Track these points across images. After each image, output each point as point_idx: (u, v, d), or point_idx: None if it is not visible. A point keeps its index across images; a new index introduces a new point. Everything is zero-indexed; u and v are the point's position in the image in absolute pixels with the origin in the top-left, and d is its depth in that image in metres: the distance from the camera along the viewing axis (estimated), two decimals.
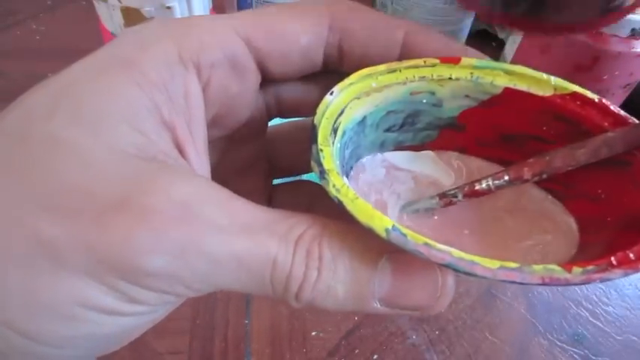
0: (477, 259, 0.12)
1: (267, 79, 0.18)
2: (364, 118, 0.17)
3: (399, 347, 0.33)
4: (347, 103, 0.16)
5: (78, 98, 0.13)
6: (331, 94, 0.16)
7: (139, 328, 0.16)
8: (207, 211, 0.13)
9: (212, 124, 0.17)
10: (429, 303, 0.14)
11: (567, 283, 0.12)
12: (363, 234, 0.13)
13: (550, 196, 0.18)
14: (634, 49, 0.39)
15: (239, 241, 0.13)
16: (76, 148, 0.12)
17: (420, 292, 0.14)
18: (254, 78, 0.17)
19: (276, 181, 0.23)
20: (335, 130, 0.16)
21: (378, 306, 0.14)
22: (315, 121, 0.15)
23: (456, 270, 0.12)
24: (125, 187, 0.12)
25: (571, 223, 0.17)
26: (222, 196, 0.14)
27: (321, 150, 0.14)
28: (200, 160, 0.15)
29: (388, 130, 0.19)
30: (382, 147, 0.19)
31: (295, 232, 0.14)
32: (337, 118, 0.16)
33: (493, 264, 0.12)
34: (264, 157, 0.22)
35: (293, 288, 0.14)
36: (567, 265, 0.12)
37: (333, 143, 0.15)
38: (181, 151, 0.15)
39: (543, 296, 0.36)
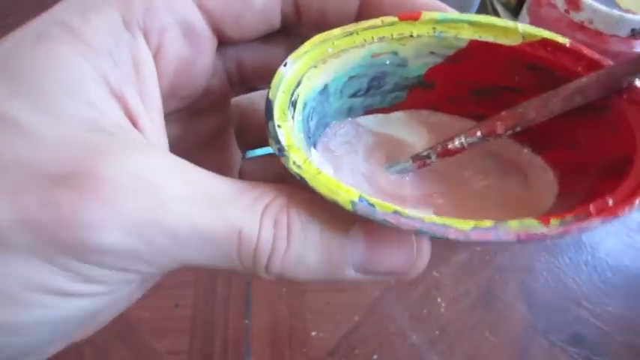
0: (449, 221, 0.12)
1: (225, 43, 0.17)
2: (325, 87, 0.16)
3: (399, 347, 0.33)
4: (304, 73, 0.15)
5: (17, 69, 0.12)
6: (285, 65, 0.15)
7: (108, 309, 0.15)
8: (165, 183, 0.12)
9: (169, 94, 0.16)
10: (405, 268, 0.14)
11: (544, 237, 0.12)
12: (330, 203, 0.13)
13: (526, 149, 0.18)
14: (634, 49, 0.39)
15: (201, 213, 0.12)
16: (15, 122, 0.11)
17: (395, 257, 0.14)
18: (209, 42, 0.16)
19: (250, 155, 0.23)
20: (294, 104, 0.15)
21: (353, 274, 0.14)
22: (270, 96, 0.14)
23: (428, 235, 0.12)
24: (72, 160, 0.11)
25: (549, 175, 0.17)
26: (181, 167, 0.13)
27: (279, 126, 0.14)
28: (156, 131, 0.14)
29: (354, 95, 0.18)
30: (351, 113, 0.19)
31: (261, 202, 0.13)
32: (294, 90, 0.15)
33: (466, 225, 0.12)
34: (231, 129, 0.21)
35: (262, 260, 0.13)
36: (544, 217, 0.12)
37: (293, 117, 0.15)
38: (134, 123, 0.14)
39: (543, 296, 0.36)
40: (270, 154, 0.22)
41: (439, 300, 0.35)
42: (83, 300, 0.12)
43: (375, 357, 0.32)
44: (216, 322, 0.33)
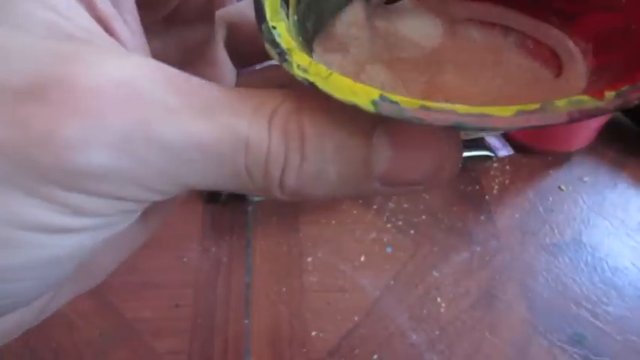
0: (486, 110, 0.10)
1: None
2: None
3: (399, 347, 0.33)
4: None
5: None
6: None
7: (112, 251, 0.13)
8: (154, 90, 0.10)
9: (142, 0, 0.14)
10: (437, 173, 0.12)
11: (601, 112, 0.10)
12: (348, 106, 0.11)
13: (552, 24, 0.15)
14: None
15: (198, 123, 0.10)
16: None
17: (424, 162, 0.12)
18: None
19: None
20: (286, 0, 0.13)
21: (378, 185, 0.12)
22: None
23: (464, 129, 0.10)
24: (40, 71, 0.10)
25: (578, 50, 0.15)
26: (171, 73, 0.11)
27: (274, 27, 0.12)
28: (134, 38, 0.13)
29: None
30: (349, 6, 0.16)
31: (267, 108, 0.11)
32: None
33: (508, 111, 0.10)
34: (219, 42, 0.19)
35: (274, 175, 0.11)
36: (595, 92, 0.10)
37: (287, 16, 0.13)
38: (106, 28, 0.12)
39: (543, 296, 0.36)
40: (264, 69, 0.20)
41: (439, 300, 0.35)
42: (75, 236, 0.11)
43: (375, 357, 0.32)
44: (216, 322, 0.33)
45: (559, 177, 0.43)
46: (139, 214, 0.12)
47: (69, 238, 0.11)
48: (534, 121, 0.10)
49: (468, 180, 0.42)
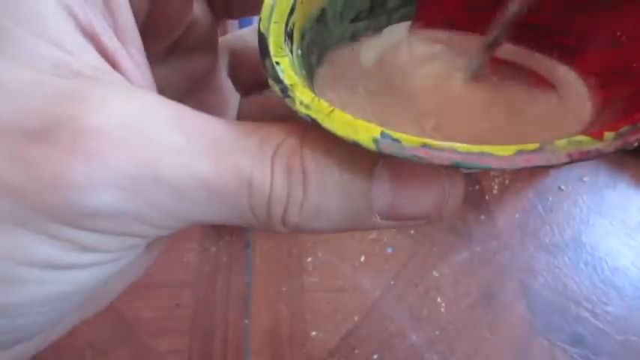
0: (487, 149, 0.10)
1: None
2: (323, 12, 0.14)
3: (399, 347, 0.33)
4: None
5: None
6: None
7: (118, 280, 0.13)
8: (159, 130, 0.10)
9: (147, 30, 0.14)
10: (437, 209, 0.12)
11: (600, 154, 0.10)
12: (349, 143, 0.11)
13: (555, 60, 0.15)
14: None
15: (203, 163, 0.11)
16: None
17: (425, 199, 0.12)
18: None
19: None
20: (290, 35, 0.13)
21: (378, 220, 0.12)
22: (262, 29, 0.12)
23: (464, 168, 0.10)
24: (46, 111, 0.10)
25: (581, 86, 0.15)
26: (176, 111, 0.11)
27: (277, 63, 0.12)
28: (140, 72, 0.13)
29: (355, 19, 0.16)
30: (354, 40, 0.16)
31: (270, 145, 0.11)
32: (289, 19, 0.13)
33: (507, 151, 0.10)
34: (222, 70, 0.19)
35: (277, 212, 0.11)
36: (594, 132, 0.10)
37: (291, 51, 0.13)
38: (112, 63, 0.12)
39: (543, 296, 0.36)
40: (266, 95, 0.20)
41: (439, 300, 0.35)
42: (83, 272, 0.11)
43: (375, 357, 0.32)
44: (216, 322, 0.33)
45: (559, 177, 0.43)
46: (144, 247, 0.13)
47: (76, 274, 0.11)
48: (534, 161, 0.10)
49: (468, 180, 0.42)
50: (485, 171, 0.11)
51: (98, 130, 0.10)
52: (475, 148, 0.10)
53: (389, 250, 0.38)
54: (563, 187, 0.42)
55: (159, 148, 0.10)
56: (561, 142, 0.10)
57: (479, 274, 0.37)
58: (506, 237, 0.39)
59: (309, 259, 0.37)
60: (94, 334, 0.33)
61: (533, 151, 0.10)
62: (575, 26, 0.14)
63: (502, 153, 0.10)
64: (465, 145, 0.10)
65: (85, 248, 0.10)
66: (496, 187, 0.42)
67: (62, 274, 0.11)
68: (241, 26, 0.42)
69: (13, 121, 0.10)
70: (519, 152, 0.10)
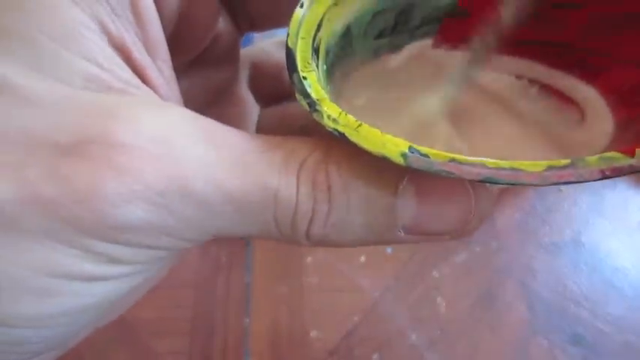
0: (516, 164, 0.10)
1: None
2: (348, 29, 0.14)
3: (399, 347, 0.33)
4: (324, 13, 0.13)
5: (1, 25, 0.10)
6: (301, 6, 0.13)
7: (135, 290, 0.14)
8: (188, 145, 0.11)
9: (174, 44, 0.14)
10: (462, 225, 0.12)
11: (632, 170, 0.10)
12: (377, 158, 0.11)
13: (576, 78, 0.15)
14: None
15: (231, 177, 0.11)
16: (8, 86, 0.10)
17: (450, 214, 0.12)
18: None
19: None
20: (316, 50, 0.13)
21: (402, 234, 0.12)
22: (290, 44, 0.13)
23: (495, 183, 0.10)
24: (79, 126, 0.10)
25: (603, 104, 0.15)
26: (204, 125, 0.11)
27: (304, 78, 0.12)
28: (167, 85, 0.13)
29: (379, 36, 0.16)
30: (377, 56, 0.17)
31: (296, 159, 0.11)
32: (316, 35, 0.13)
33: (538, 167, 0.10)
34: (242, 82, 0.19)
35: (302, 226, 0.11)
36: (626, 149, 0.10)
37: (317, 66, 0.13)
38: (141, 77, 0.12)
39: (543, 296, 0.36)
40: (285, 106, 0.20)
41: (439, 300, 0.35)
42: (110, 283, 0.11)
43: (375, 357, 0.32)
44: (215, 322, 0.33)
45: None
46: (179, 257, 0.13)
47: (104, 286, 0.11)
48: (566, 176, 0.10)
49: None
50: (512, 187, 0.11)
51: (130, 145, 0.10)
52: (505, 164, 0.10)
53: (389, 250, 0.38)
54: (562, 187, 0.42)
55: (187, 162, 0.10)
56: (593, 159, 0.10)
57: (479, 274, 0.37)
58: (505, 237, 0.39)
59: (309, 259, 0.37)
60: (93, 334, 0.33)
61: (564, 167, 0.10)
62: (600, 45, 0.14)
63: (532, 169, 0.10)
64: (494, 161, 0.10)
65: (114, 261, 0.11)
66: (496, 188, 0.42)
67: (91, 286, 0.11)
68: (244, 44, 0.42)
69: (47, 135, 0.10)
70: (550, 168, 0.10)
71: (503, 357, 0.33)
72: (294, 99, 0.12)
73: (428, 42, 0.17)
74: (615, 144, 0.13)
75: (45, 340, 0.11)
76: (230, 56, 0.18)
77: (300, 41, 0.13)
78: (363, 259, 0.37)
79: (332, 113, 0.11)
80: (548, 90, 0.16)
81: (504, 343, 0.33)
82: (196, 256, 0.37)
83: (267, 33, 0.18)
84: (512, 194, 0.41)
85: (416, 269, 0.37)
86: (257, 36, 0.37)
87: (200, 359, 0.32)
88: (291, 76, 0.12)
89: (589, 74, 0.15)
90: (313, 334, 0.33)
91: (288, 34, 0.13)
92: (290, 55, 0.12)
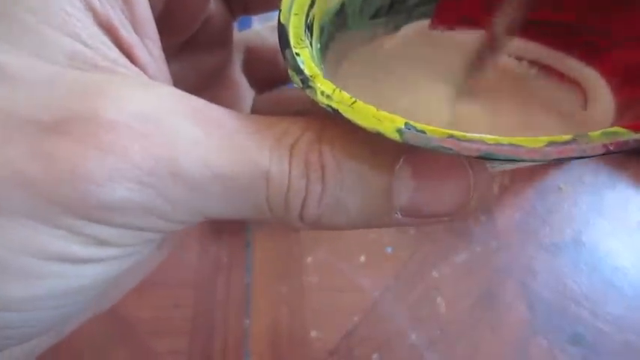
0: (516, 140, 0.10)
1: None
2: (342, 7, 0.14)
3: (399, 347, 0.33)
4: None
5: None
6: None
7: (130, 274, 0.13)
8: (177, 123, 0.10)
9: (163, 24, 0.14)
10: (462, 205, 0.12)
11: (638, 144, 0.10)
12: (371, 135, 0.11)
13: (576, 59, 0.15)
14: None
15: (221, 156, 0.10)
16: None
17: (449, 195, 0.12)
18: None
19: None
20: (309, 27, 0.13)
21: (400, 217, 0.12)
22: (282, 20, 0.12)
23: (494, 159, 0.10)
24: (64, 104, 0.10)
25: (604, 84, 0.14)
26: (194, 104, 0.11)
27: (297, 54, 0.12)
28: (157, 65, 0.12)
29: (375, 15, 0.15)
30: (374, 37, 0.16)
31: (288, 138, 0.11)
32: (309, 12, 0.13)
33: (538, 142, 0.09)
34: (236, 65, 0.19)
35: (295, 206, 0.11)
36: (629, 124, 0.10)
37: (311, 44, 0.13)
38: (129, 56, 0.12)
39: (543, 296, 0.36)
40: (280, 92, 0.20)
41: (439, 300, 0.35)
42: (98, 266, 0.11)
43: (375, 357, 0.32)
44: (216, 322, 0.33)
45: (559, 177, 0.43)
46: (159, 242, 0.13)
47: (92, 268, 0.11)
48: (568, 152, 0.10)
49: None
50: (513, 165, 0.11)
51: (115, 122, 0.10)
52: (504, 140, 0.10)
53: (389, 250, 0.38)
54: (563, 187, 0.42)
55: (175, 141, 0.10)
56: (596, 134, 0.10)
57: (479, 274, 0.37)
58: (506, 237, 0.39)
59: (309, 259, 0.37)
60: (92, 333, 0.33)
61: (566, 143, 0.10)
62: (599, 24, 0.14)
63: (533, 145, 0.10)
64: (493, 137, 0.10)
65: (101, 242, 0.10)
66: (496, 187, 0.42)
67: (78, 268, 0.10)
68: (240, 28, 0.42)
69: (30, 113, 0.09)
70: (551, 143, 0.10)
71: (503, 357, 0.33)
72: (289, 83, 0.12)
73: (425, 23, 0.17)
74: (618, 124, 0.13)
75: (35, 324, 0.11)
76: (223, 39, 0.17)
77: (292, 17, 0.12)
78: (363, 258, 0.37)
79: (326, 89, 0.11)
80: (549, 71, 0.16)
81: (504, 343, 0.33)
82: (196, 256, 0.37)
83: (265, 17, 0.18)
84: (513, 194, 0.41)
85: (416, 269, 0.37)
86: (255, 19, 0.37)
87: (200, 359, 0.32)
88: (283, 53, 0.12)
89: (589, 55, 0.15)
90: (313, 334, 0.33)
91: (280, 10, 0.12)
92: (282, 31, 0.12)
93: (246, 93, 0.19)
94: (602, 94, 0.15)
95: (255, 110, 0.19)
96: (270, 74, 0.19)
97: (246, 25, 0.43)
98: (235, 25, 0.18)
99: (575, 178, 0.42)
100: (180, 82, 0.15)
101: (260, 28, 0.19)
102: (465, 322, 0.34)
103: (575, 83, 0.15)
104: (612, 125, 0.12)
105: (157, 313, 0.34)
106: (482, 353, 0.33)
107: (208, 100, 0.12)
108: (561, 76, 0.16)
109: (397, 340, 0.33)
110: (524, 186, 0.42)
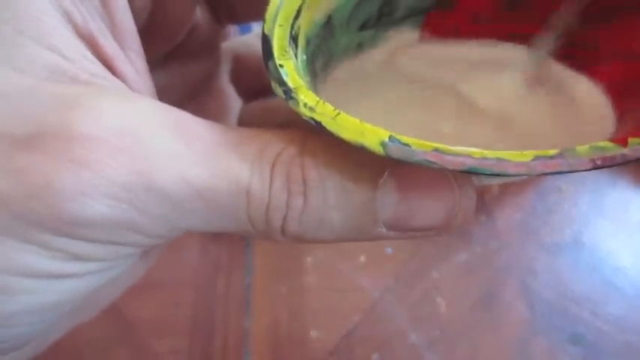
0: (502, 154, 0.09)
1: None
2: (329, 19, 0.14)
3: (399, 347, 0.33)
4: (303, 1, 0.13)
5: None
6: None
7: (111, 287, 0.13)
8: (155, 137, 0.10)
9: (147, 34, 0.13)
10: (446, 220, 0.11)
11: (625, 160, 0.10)
12: (355, 148, 0.10)
13: (572, 70, 0.15)
14: None
15: (200, 170, 0.10)
16: None
17: (434, 209, 0.11)
18: None
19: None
20: (294, 39, 0.13)
21: (384, 231, 0.11)
22: (266, 31, 0.12)
23: (479, 173, 0.10)
24: (38, 117, 0.09)
25: (601, 98, 0.14)
26: (174, 117, 0.11)
27: (281, 65, 0.11)
28: (139, 77, 0.12)
29: (363, 27, 0.15)
30: (361, 50, 0.16)
31: (270, 152, 0.11)
32: (294, 23, 0.13)
33: (525, 156, 0.09)
34: (223, 75, 0.19)
35: (276, 221, 0.11)
36: (618, 139, 0.10)
37: (296, 55, 0.12)
38: (110, 67, 0.11)
39: (543, 296, 0.36)
40: (267, 101, 0.20)
41: (439, 300, 0.35)
42: (74, 281, 0.11)
43: (374, 357, 0.32)
44: (216, 322, 0.33)
45: (559, 177, 0.43)
46: (138, 256, 0.12)
47: (67, 283, 0.10)
48: (554, 166, 0.09)
49: None
50: (500, 180, 0.11)
51: (90, 136, 0.09)
52: (490, 154, 0.09)
53: (389, 251, 0.38)
54: (563, 187, 0.42)
55: (153, 155, 0.10)
56: (583, 148, 0.10)
57: (479, 274, 0.37)
58: (506, 237, 0.39)
59: (309, 259, 0.37)
60: (93, 333, 0.33)
61: (552, 157, 0.09)
62: (587, 40, 0.14)
63: (519, 159, 0.09)
64: (479, 151, 0.09)
65: (77, 257, 0.10)
66: (496, 187, 0.42)
67: (54, 284, 0.10)
68: (242, 33, 0.42)
69: (3, 127, 0.09)
70: (537, 158, 0.09)
71: (504, 357, 0.33)
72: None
73: (414, 35, 0.16)
74: (615, 136, 0.13)
75: (13, 339, 0.11)
76: (210, 48, 0.17)
77: (277, 28, 0.12)
78: (363, 259, 0.37)
79: (309, 102, 0.11)
80: (551, 83, 0.16)
81: (504, 343, 0.33)
82: (196, 256, 0.37)
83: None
84: (513, 194, 0.41)
85: (416, 269, 0.37)
86: (255, 24, 0.37)
87: (200, 359, 0.32)
88: (266, 64, 0.12)
89: (588, 68, 0.15)
90: (313, 334, 0.33)
91: (264, 20, 0.12)
92: (266, 41, 0.12)
93: (234, 102, 0.19)
94: (603, 106, 0.14)
95: (241, 120, 0.19)
96: (258, 83, 0.19)
97: (247, 31, 0.43)
98: (236, 30, 0.18)
99: (576, 178, 0.42)
100: (167, 91, 0.15)
101: (247, 37, 0.19)
102: (465, 322, 0.34)
103: (574, 95, 0.15)
104: (612, 137, 0.13)
105: (158, 313, 0.34)
106: (482, 353, 0.33)
107: (195, 110, 0.12)
108: (561, 88, 0.16)
109: (397, 340, 0.33)
110: (525, 186, 0.42)
